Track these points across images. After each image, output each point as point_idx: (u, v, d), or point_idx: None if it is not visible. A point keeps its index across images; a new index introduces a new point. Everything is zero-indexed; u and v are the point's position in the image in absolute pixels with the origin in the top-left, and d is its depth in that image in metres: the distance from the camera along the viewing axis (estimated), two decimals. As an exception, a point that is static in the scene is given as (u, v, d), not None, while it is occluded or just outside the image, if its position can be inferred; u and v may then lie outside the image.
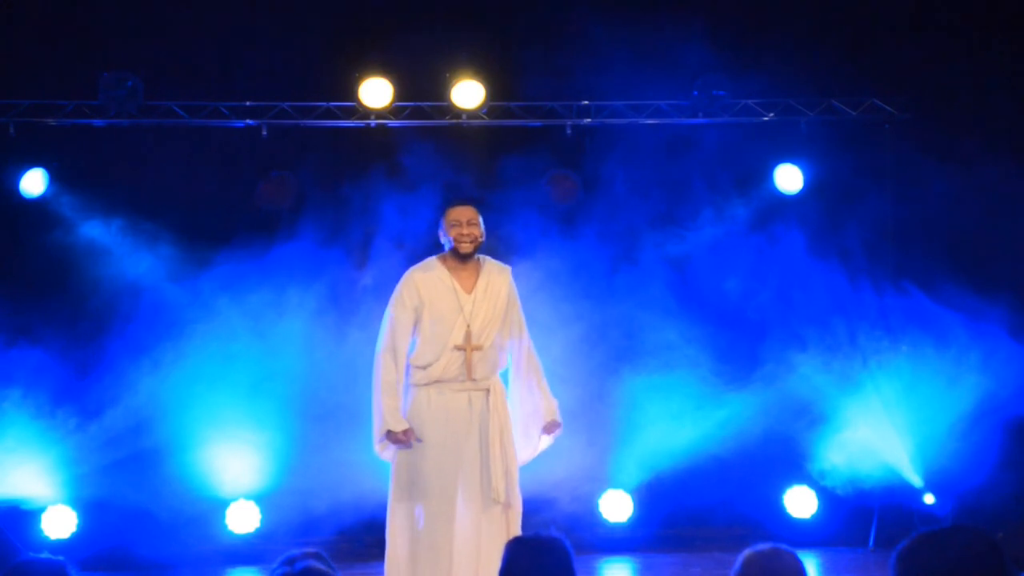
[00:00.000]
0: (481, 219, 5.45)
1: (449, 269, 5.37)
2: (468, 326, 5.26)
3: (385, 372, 5.26)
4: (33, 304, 8.00)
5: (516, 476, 5.28)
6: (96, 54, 8.08)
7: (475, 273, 5.39)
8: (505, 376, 5.46)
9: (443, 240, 5.42)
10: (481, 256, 5.48)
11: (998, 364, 7.80)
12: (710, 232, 8.41)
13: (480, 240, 5.40)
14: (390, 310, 5.35)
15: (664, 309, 8.21)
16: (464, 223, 5.34)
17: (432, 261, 5.45)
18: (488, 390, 5.27)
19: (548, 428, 5.41)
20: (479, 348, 5.27)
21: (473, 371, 5.25)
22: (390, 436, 5.20)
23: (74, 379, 7.89)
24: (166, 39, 8.05)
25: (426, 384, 5.26)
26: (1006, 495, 7.66)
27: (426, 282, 5.33)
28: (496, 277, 5.41)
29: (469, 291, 5.33)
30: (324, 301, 8.09)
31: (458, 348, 5.25)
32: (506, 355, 5.42)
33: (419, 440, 5.22)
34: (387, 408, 5.21)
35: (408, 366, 5.32)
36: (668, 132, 8.52)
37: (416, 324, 5.30)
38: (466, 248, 5.33)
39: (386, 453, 5.33)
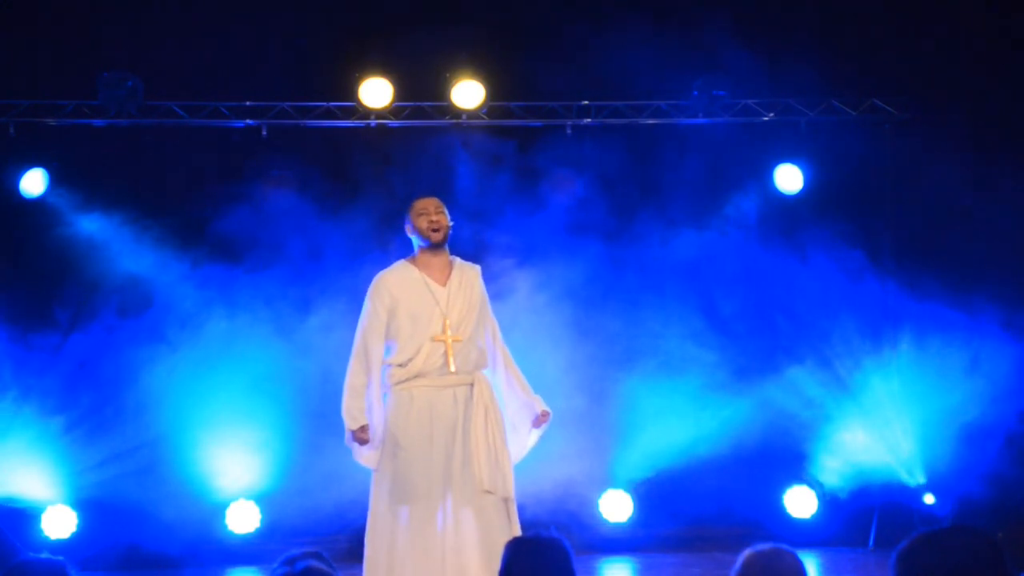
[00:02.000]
0: (447, 211, 5.36)
1: (420, 267, 5.29)
2: (445, 318, 5.18)
3: (351, 376, 5.23)
4: (33, 304, 8.00)
5: (509, 467, 5.15)
6: (96, 54, 8.07)
7: (447, 268, 5.31)
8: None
9: (412, 235, 5.34)
10: (452, 256, 5.41)
11: (997, 363, 7.81)
12: (710, 232, 8.42)
13: (449, 228, 5.31)
14: (362, 315, 5.29)
15: (664, 309, 8.22)
16: (432, 210, 5.26)
17: (400, 263, 5.38)
18: (472, 384, 5.18)
19: (537, 421, 5.33)
20: (458, 340, 5.18)
21: (454, 362, 5.15)
22: (354, 436, 5.17)
23: (74, 379, 7.89)
24: (166, 39, 8.05)
25: (407, 380, 5.16)
26: (1006, 495, 7.66)
27: (397, 281, 5.27)
28: (468, 272, 5.34)
29: (443, 284, 5.25)
30: (324, 301, 8.08)
31: (437, 339, 5.16)
32: (486, 353, 5.33)
33: (380, 445, 5.15)
34: (347, 409, 5.19)
35: (386, 369, 5.22)
36: (668, 132, 8.52)
37: (389, 326, 5.21)
38: (437, 237, 5.24)
39: (368, 459, 5.24)
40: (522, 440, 5.38)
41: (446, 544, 4.98)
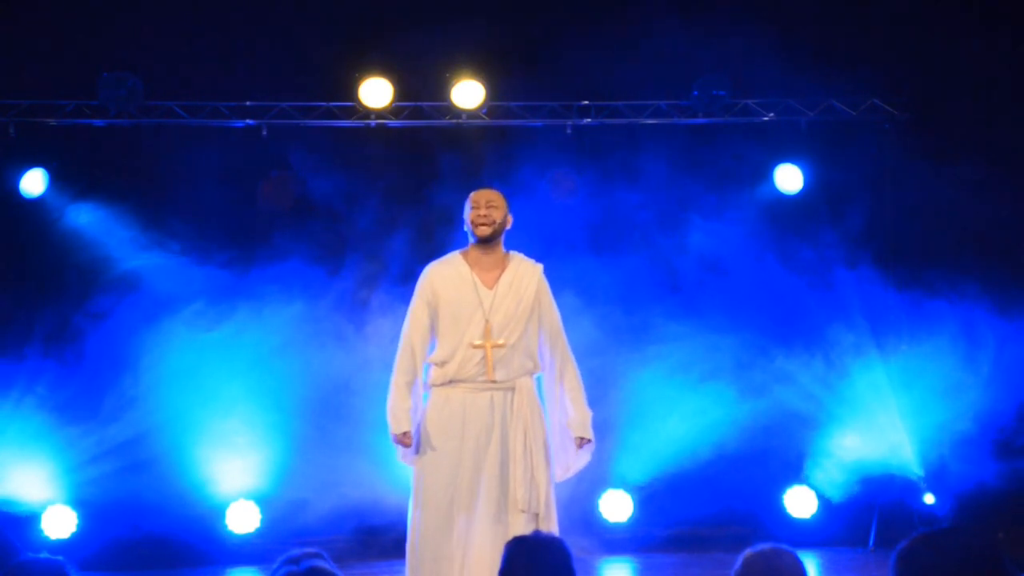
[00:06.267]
0: (507, 205, 5.05)
1: (470, 263, 4.99)
2: (487, 321, 4.87)
3: (398, 373, 4.95)
4: (32, 304, 8.00)
5: (545, 484, 4.83)
6: (96, 54, 8.07)
7: (499, 267, 4.99)
8: (540, 381, 5.09)
9: (466, 229, 5.06)
10: (512, 252, 5.09)
11: (997, 362, 7.81)
12: (710, 233, 8.41)
13: (499, 224, 4.98)
14: (408, 310, 5.04)
15: (664, 309, 8.21)
16: (482, 204, 4.97)
17: (453, 255, 5.08)
18: (514, 389, 4.89)
19: (579, 443, 5.00)
20: (500, 346, 4.87)
21: (494, 371, 4.86)
22: (393, 439, 4.92)
23: (73, 379, 7.89)
24: (166, 39, 8.05)
25: (443, 384, 4.91)
26: (1006, 495, 7.66)
27: (443, 276, 4.98)
28: (524, 273, 5.00)
29: (491, 286, 4.93)
30: (324, 301, 8.08)
31: (476, 346, 4.86)
32: (538, 358, 5.02)
33: (415, 446, 4.91)
34: (391, 409, 4.89)
35: (427, 367, 5.00)
36: (668, 132, 8.52)
37: (434, 321, 4.96)
38: (480, 232, 4.93)
39: (406, 458, 5.01)
40: (570, 458, 5.05)
41: (465, 554, 4.77)
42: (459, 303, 4.94)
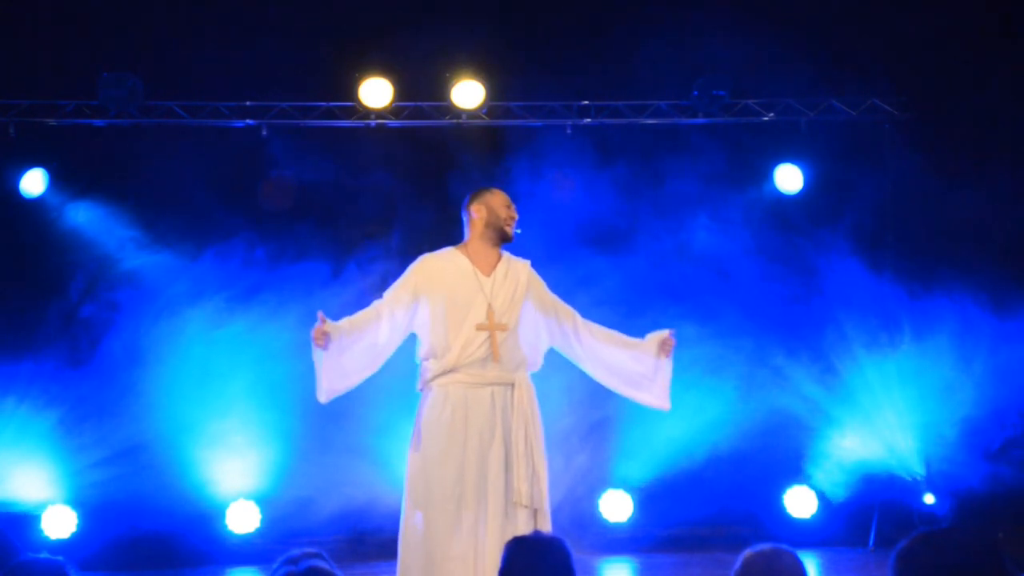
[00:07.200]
0: None
1: (468, 256, 5.02)
2: (490, 304, 4.89)
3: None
4: (32, 304, 8.01)
5: (544, 480, 4.86)
6: (96, 54, 8.07)
7: (495, 260, 5.05)
8: (536, 377, 5.06)
9: (477, 218, 5.03)
10: (502, 250, 5.14)
11: (998, 362, 7.81)
12: (710, 232, 8.41)
13: None
14: (391, 285, 5.05)
15: (663, 309, 8.19)
16: (512, 206, 5.09)
17: (448, 250, 5.09)
18: (513, 384, 4.88)
19: (665, 349, 5.12)
20: (503, 328, 4.87)
21: (498, 354, 4.84)
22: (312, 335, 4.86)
23: (74, 379, 7.89)
24: (166, 39, 8.05)
25: (442, 374, 4.85)
26: (1005, 494, 7.67)
27: (440, 267, 4.99)
28: (516, 265, 5.08)
29: (488, 273, 4.98)
30: (324, 301, 8.05)
31: (481, 327, 4.85)
32: (536, 352, 5.04)
33: (326, 347, 4.86)
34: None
35: (421, 364, 4.97)
36: (668, 132, 8.52)
37: (421, 313, 4.93)
38: (512, 232, 5.05)
39: (322, 386, 4.96)
40: (661, 378, 5.19)
41: (477, 553, 4.74)
42: (457, 289, 4.94)
